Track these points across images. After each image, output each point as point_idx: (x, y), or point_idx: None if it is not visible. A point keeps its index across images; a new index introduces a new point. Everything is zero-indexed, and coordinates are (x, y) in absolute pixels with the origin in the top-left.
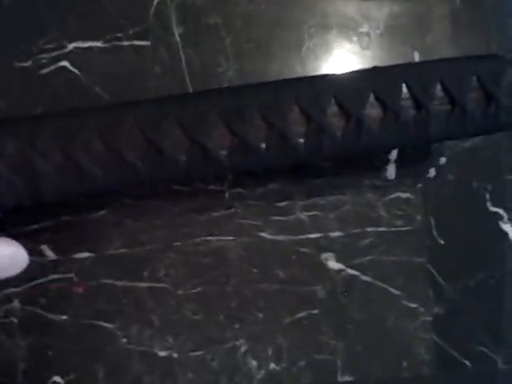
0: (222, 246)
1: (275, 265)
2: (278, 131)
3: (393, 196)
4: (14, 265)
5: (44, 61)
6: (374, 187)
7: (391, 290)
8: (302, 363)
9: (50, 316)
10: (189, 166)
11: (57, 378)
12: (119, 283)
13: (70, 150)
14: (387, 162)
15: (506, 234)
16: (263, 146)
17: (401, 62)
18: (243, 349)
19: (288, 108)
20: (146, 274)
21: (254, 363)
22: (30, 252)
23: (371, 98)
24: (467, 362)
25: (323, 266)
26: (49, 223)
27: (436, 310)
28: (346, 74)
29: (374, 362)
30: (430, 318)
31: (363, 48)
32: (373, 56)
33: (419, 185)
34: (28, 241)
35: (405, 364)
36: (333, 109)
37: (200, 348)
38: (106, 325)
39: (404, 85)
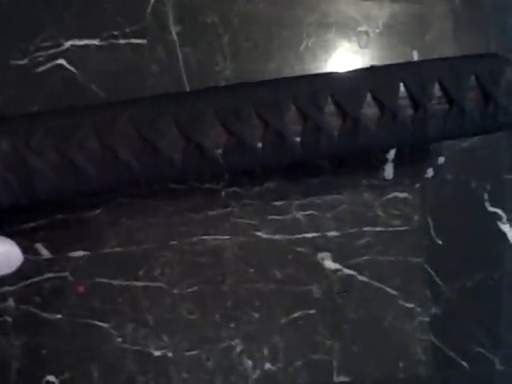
0: (218, 245)
1: (271, 264)
2: (275, 130)
3: (390, 196)
4: (7, 263)
5: (40, 59)
6: (372, 187)
7: (388, 290)
8: (298, 363)
9: (45, 315)
10: (184, 165)
11: (51, 378)
12: (114, 282)
13: (65, 148)
14: (385, 161)
15: (504, 235)
16: (259, 145)
17: (400, 61)
18: (239, 348)
19: (285, 107)
20: (141, 273)
21: (250, 363)
22: (25, 250)
23: (368, 97)
24: (465, 363)
25: (320, 266)
26: (44, 221)
27: (433, 310)
28: (344, 73)
29: (370, 362)
30: (427, 319)
31: (362, 47)
32: (371, 55)
33: (417, 185)
34: (23, 239)
35: (401, 364)
36: (330, 108)
37: (195, 347)
38: (100, 324)
39: (402, 84)
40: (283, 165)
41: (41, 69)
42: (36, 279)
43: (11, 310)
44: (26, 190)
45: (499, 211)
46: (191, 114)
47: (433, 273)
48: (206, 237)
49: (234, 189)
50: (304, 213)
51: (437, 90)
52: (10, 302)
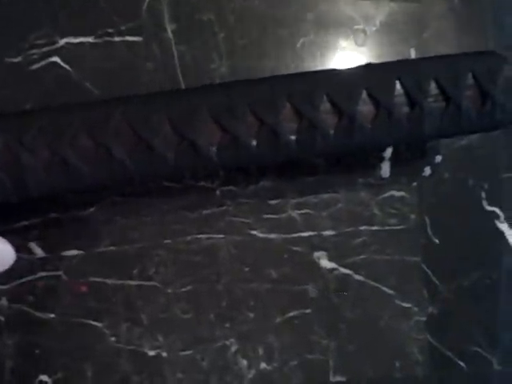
0: (213, 244)
1: (267, 263)
2: (270, 128)
3: (387, 194)
4: (0, 261)
5: (35, 56)
6: (368, 185)
7: (384, 289)
8: (294, 363)
9: (38, 314)
10: (178, 162)
11: (44, 377)
12: (108, 281)
13: (58, 145)
14: (381, 159)
15: (502, 234)
16: (254, 142)
17: (397, 59)
18: (234, 348)
19: (280, 104)
20: (135, 272)
21: (245, 363)
22: (19, 249)
23: (364, 94)
24: (462, 363)
25: (315, 265)
26: (37, 220)
27: (430, 309)
28: (339, 70)
29: (366, 362)
30: (423, 318)
31: (359, 45)
32: (368, 53)
33: (414, 183)
34: (16, 238)
35: (398, 364)
36: (325, 106)
37: (190, 347)
38: (94, 323)
39: (398, 82)
40: (278, 163)
41: (35, 66)
42: (29, 278)
43: (4, 309)
44: (19, 188)
45: (497, 210)
46: (185, 112)
47: (429, 272)
48: (200, 236)
49: (230, 187)
50: (300, 212)
51: (433, 87)
52: (3, 301)
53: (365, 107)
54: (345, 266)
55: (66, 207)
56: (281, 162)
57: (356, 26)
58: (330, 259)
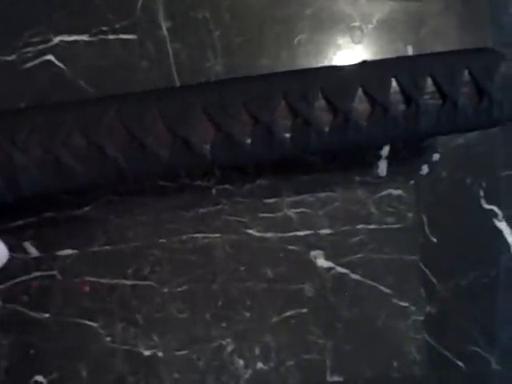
0: (209, 243)
1: (263, 263)
2: (264, 125)
3: (384, 193)
4: None
5: (29, 55)
6: (365, 184)
7: (382, 288)
8: (290, 363)
9: (33, 314)
10: (172, 161)
11: (39, 378)
12: (103, 281)
13: (51, 144)
14: (379, 158)
15: (500, 232)
16: (248, 140)
17: (393, 56)
18: (230, 348)
19: (274, 102)
20: (130, 271)
21: (241, 362)
22: (13, 249)
23: (359, 92)
24: (460, 363)
25: (312, 264)
26: (32, 219)
27: (428, 309)
28: (335, 67)
29: (363, 361)
30: (421, 318)
31: (355, 42)
32: (365, 50)
33: (411, 182)
34: (10, 237)
35: (395, 364)
36: (320, 103)
37: (186, 347)
38: (89, 323)
39: (393, 79)
40: (272, 161)
41: (29, 65)
42: (24, 278)
43: None
44: (12, 187)
45: (495, 208)
46: (178, 109)
47: (427, 271)
48: (196, 235)
49: (225, 186)
50: (296, 210)
51: (429, 84)
52: None
53: (360, 105)
54: (341, 265)
55: (60, 207)
56: (275, 160)
57: (353, 24)
58: (327, 258)
